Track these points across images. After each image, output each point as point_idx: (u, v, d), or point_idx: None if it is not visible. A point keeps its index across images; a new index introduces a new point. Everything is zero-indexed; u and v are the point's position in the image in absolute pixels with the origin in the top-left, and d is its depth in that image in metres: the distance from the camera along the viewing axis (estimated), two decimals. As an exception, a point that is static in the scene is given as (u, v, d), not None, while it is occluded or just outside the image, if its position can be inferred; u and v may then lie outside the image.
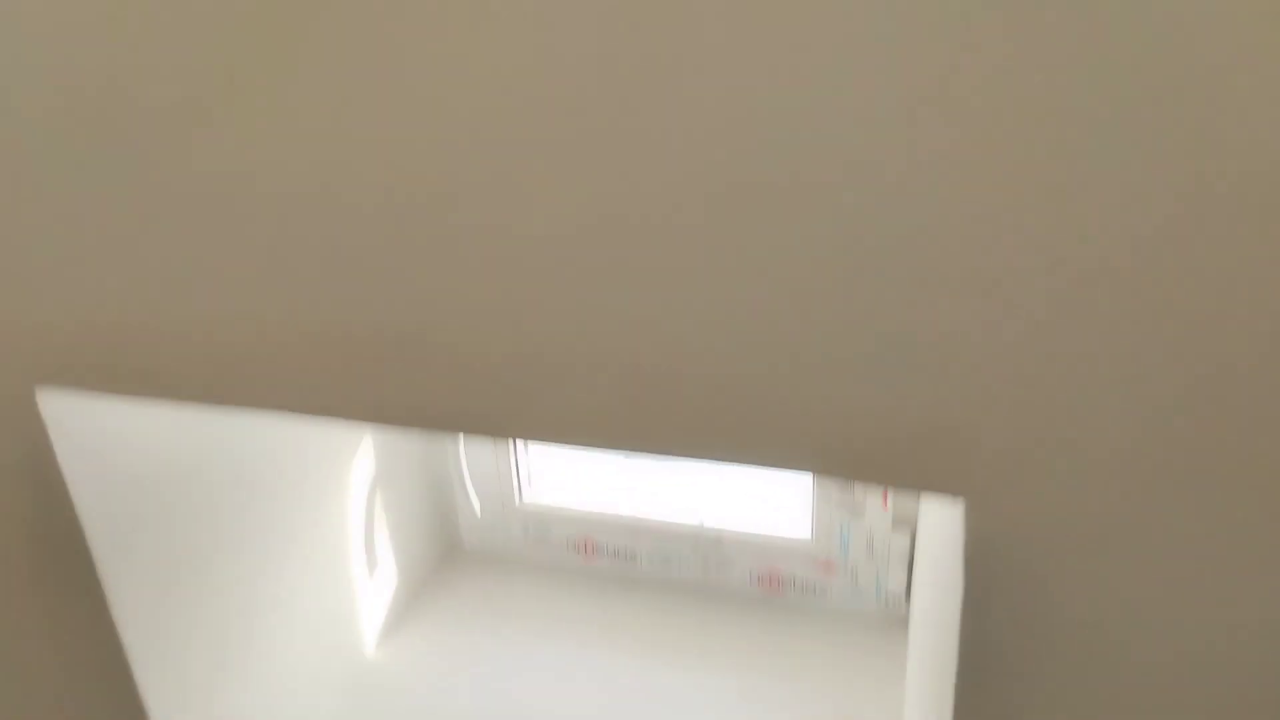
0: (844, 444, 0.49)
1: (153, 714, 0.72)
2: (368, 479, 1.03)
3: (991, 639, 0.50)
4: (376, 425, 0.58)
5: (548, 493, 1.17)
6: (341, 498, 0.99)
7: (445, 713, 1.01)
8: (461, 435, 0.74)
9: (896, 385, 0.47)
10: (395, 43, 0.46)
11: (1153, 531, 0.46)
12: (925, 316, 0.45)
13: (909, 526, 1.05)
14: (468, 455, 1.06)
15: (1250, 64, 0.37)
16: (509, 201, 0.49)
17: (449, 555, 1.25)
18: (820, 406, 0.49)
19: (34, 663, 0.74)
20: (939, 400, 0.47)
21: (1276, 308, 0.41)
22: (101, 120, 0.53)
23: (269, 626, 0.89)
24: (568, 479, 1.19)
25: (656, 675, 1.05)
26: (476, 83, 0.46)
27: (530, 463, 1.16)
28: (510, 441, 1.11)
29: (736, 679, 1.05)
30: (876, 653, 1.08)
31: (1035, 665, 0.50)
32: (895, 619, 1.12)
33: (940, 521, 0.67)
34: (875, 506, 1.03)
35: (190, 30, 0.49)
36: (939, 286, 0.44)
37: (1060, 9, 0.38)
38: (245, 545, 0.84)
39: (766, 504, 1.15)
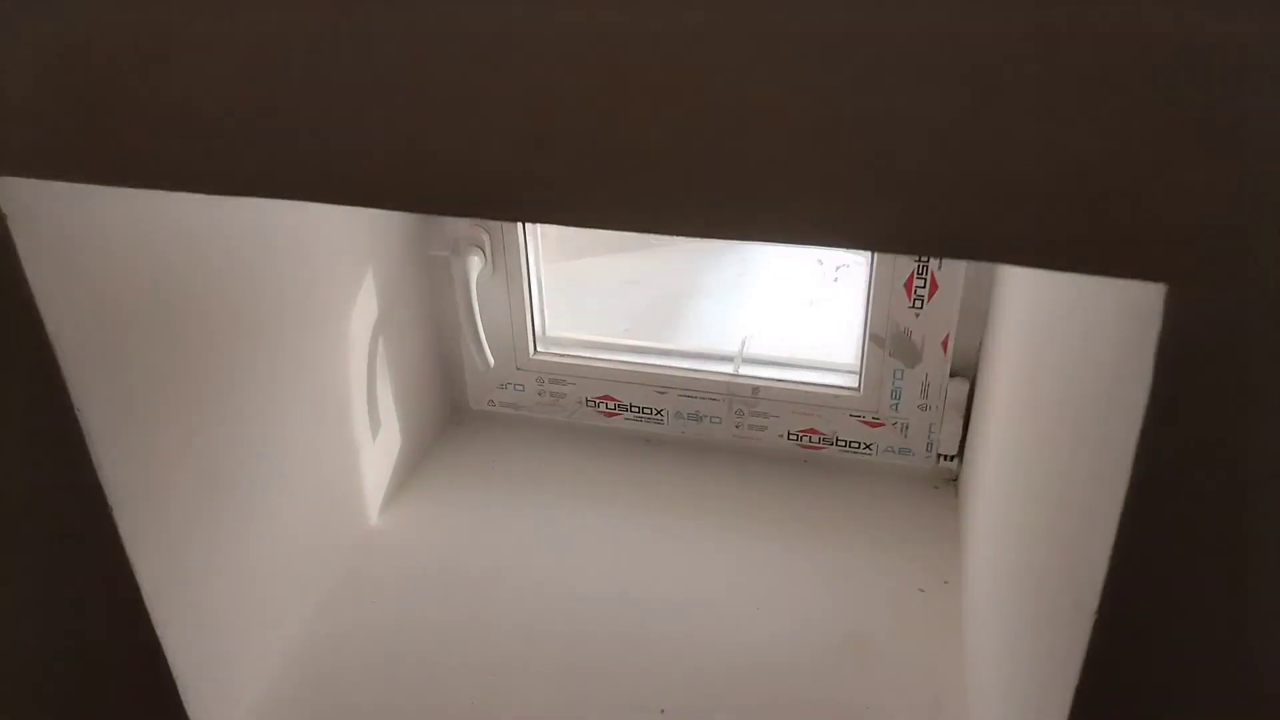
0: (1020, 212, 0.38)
1: (137, 567, 0.62)
2: (368, 327, 0.92)
3: (1176, 460, 0.40)
4: (380, 204, 0.46)
5: (564, 347, 1.06)
6: (341, 348, 0.88)
7: (455, 585, 0.93)
8: (474, 215, 0.62)
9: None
10: None
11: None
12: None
13: (968, 375, 0.95)
14: (479, 300, 0.95)
15: None
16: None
17: (455, 416, 1.14)
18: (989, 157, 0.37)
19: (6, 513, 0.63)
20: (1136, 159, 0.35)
21: None
22: None
23: (263, 482, 0.79)
24: (586, 328, 1.08)
25: (683, 541, 0.97)
26: None
27: (545, 310, 1.05)
28: (525, 269, 1.00)
29: (772, 543, 0.96)
30: (926, 513, 0.99)
31: (1232, 495, 0.40)
32: (946, 477, 1.03)
33: (1079, 323, 0.56)
34: (934, 352, 0.93)
35: None
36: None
37: None
38: (237, 384, 0.74)
39: (807, 351, 1.04)
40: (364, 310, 0.91)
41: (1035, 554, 0.59)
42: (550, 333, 1.06)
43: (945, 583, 0.91)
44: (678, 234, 0.43)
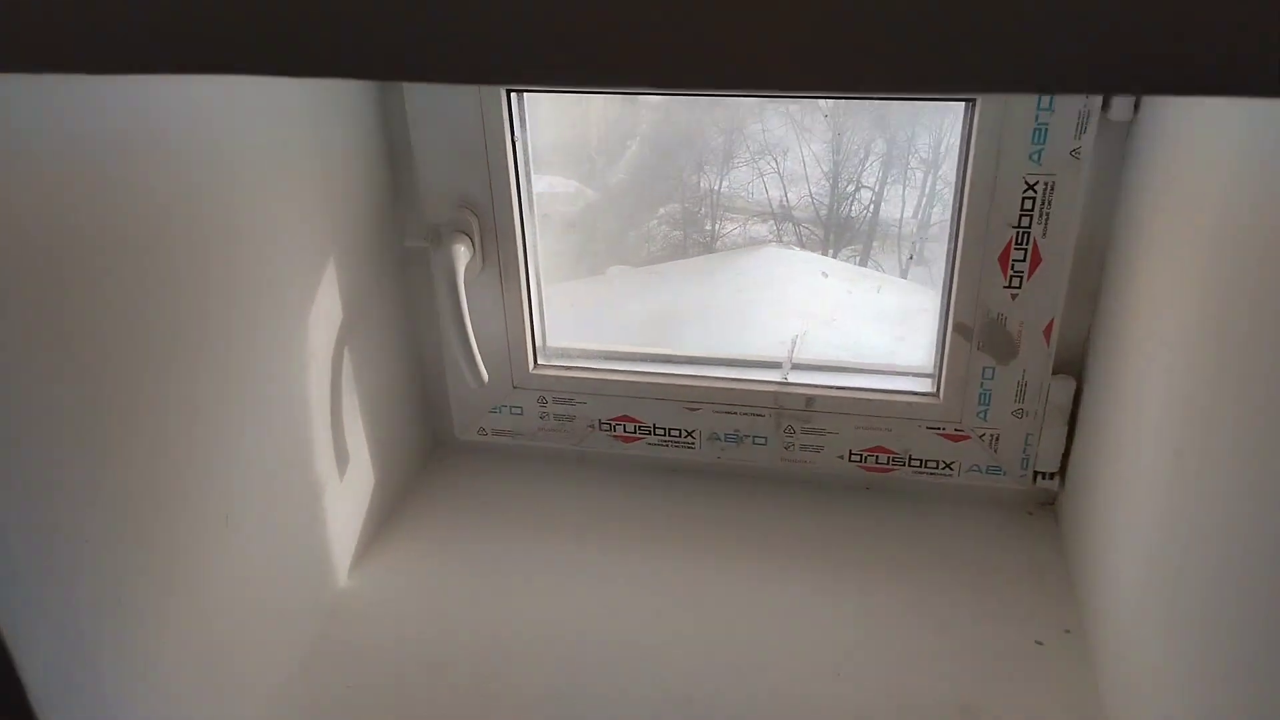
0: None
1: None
2: (330, 340, 0.73)
3: None
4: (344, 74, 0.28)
5: (570, 359, 0.88)
6: (297, 365, 0.69)
7: (441, 659, 0.73)
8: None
9: None
10: None
11: None
12: None
13: (1073, 372, 0.77)
14: (468, 300, 0.76)
15: None
16: None
17: (438, 448, 0.95)
18: None
19: None
20: None
21: None
22: None
23: (205, 541, 0.60)
24: (594, 339, 0.90)
25: (727, 595, 0.77)
26: None
27: (547, 315, 0.86)
28: (523, 263, 0.82)
29: (840, 593, 0.77)
30: (1023, 545, 0.81)
31: None
32: (1042, 500, 0.84)
33: None
34: (1033, 343, 0.75)
35: None
36: None
37: None
38: (169, 408, 0.55)
39: (871, 349, 0.86)
40: (325, 317, 0.73)
41: (1257, 581, 0.40)
42: (552, 342, 0.88)
43: (1067, 632, 0.72)
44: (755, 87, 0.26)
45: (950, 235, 0.75)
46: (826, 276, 1.13)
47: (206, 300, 0.59)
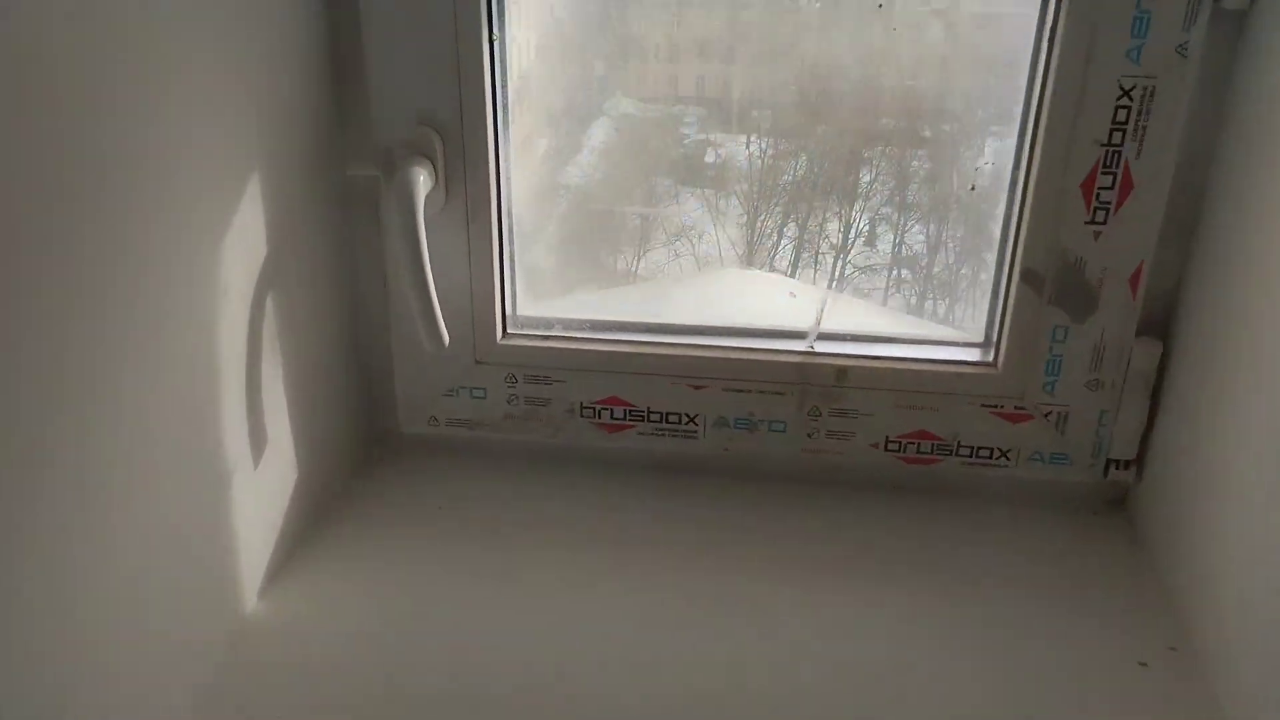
0: None
1: None
2: (247, 287, 0.56)
3: None
4: None
5: (546, 329, 0.72)
6: (203, 321, 0.52)
7: (377, 705, 0.55)
8: None
9: None
10: None
11: None
12: None
13: (1157, 332, 0.65)
14: (429, 253, 0.61)
15: None
16: None
17: (378, 442, 0.77)
18: None
19: None
20: None
21: None
22: None
23: (76, 547, 0.42)
24: (581, 296, 0.74)
25: (739, 618, 0.62)
26: None
27: (519, 275, 0.70)
28: (495, 199, 0.67)
29: (885, 613, 0.62)
30: (1098, 550, 0.67)
31: None
32: (1111, 496, 0.71)
33: None
34: (1117, 295, 0.63)
35: None
36: None
37: None
38: (27, 377, 0.38)
39: (913, 308, 0.73)
40: (243, 250, 0.56)
41: None
42: (523, 311, 0.72)
43: (1172, 650, 0.58)
44: None
45: (1015, 160, 0.63)
46: (794, 296, 0.98)
47: (79, 208, 0.42)
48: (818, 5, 0.66)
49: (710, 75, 0.71)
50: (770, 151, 0.73)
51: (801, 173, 0.73)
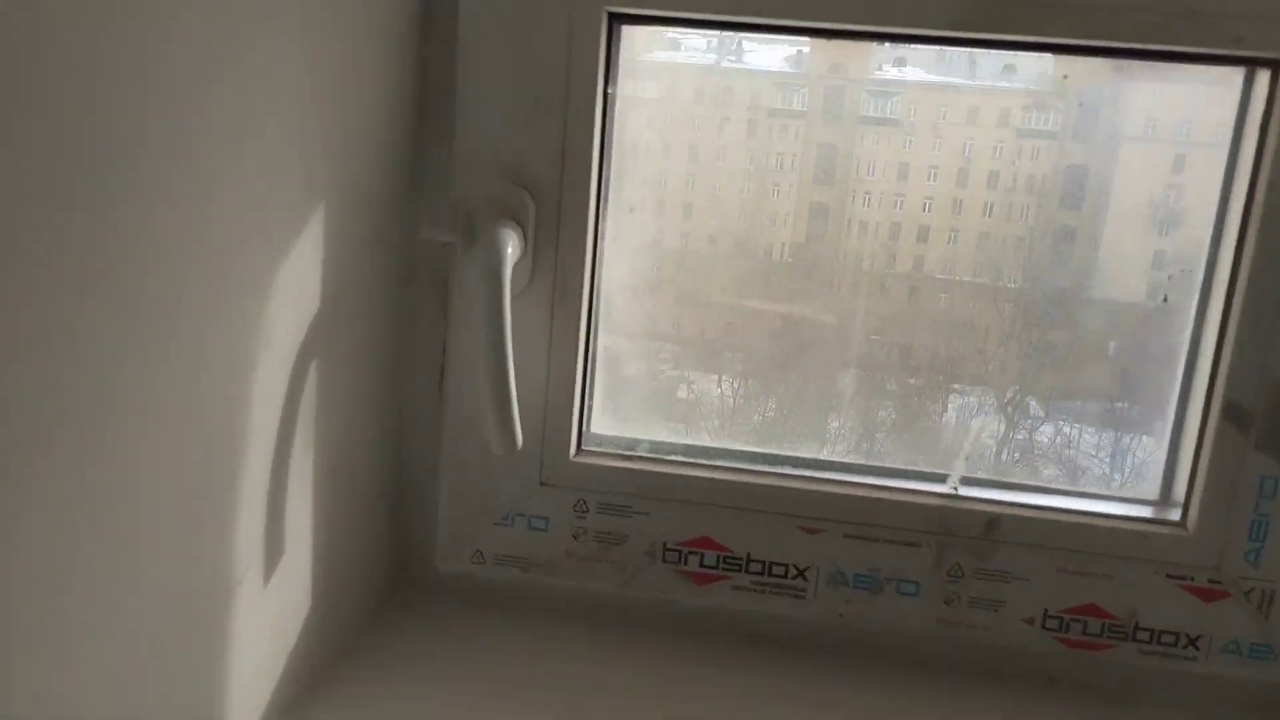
0: None
1: None
2: (288, 348, 0.45)
3: None
4: None
5: (625, 448, 0.59)
6: (241, 371, 0.41)
7: None
8: None
9: None
10: None
11: None
12: None
13: (1385, 496, 0.53)
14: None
15: None
16: None
17: (404, 582, 0.62)
18: None
19: None
20: None
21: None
22: None
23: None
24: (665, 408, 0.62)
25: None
26: None
27: (598, 382, 0.59)
28: (589, 285, 0.56)
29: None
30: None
31: None
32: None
33: None
34: (1343, 440, 0.51)
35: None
36: None
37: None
38: None
39: (1078, 451, 0.61)
40: (290, 308, 0.45)
41: None
42: (595, 428, 0.60)
43: None
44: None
45: (1207, 268, 0.53)
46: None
47: (114, 242, 0.32)
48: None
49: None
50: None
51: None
